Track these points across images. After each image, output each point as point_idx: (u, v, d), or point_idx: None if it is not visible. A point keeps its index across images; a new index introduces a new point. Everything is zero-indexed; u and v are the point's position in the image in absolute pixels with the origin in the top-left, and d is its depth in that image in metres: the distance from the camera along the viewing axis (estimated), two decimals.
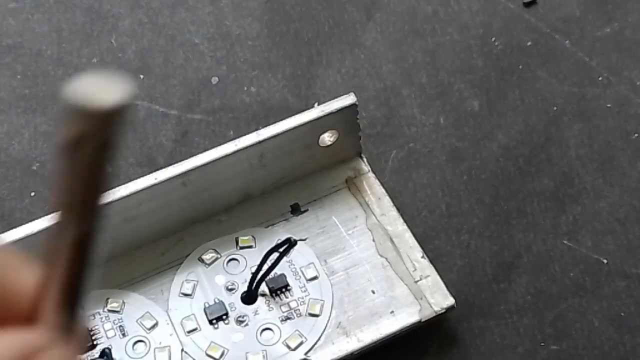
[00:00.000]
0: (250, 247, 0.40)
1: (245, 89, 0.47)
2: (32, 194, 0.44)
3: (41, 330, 0.19)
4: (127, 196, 0.38)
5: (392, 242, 0.40)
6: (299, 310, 0.39)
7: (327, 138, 0.41)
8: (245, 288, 0.39)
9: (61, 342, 0.19)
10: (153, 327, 0.38)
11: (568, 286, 0.40)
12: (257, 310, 0.39)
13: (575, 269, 0.41)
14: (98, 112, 0.16)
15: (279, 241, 0.38)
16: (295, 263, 0.40)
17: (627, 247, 0.41)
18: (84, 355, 0.37)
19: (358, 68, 0.48)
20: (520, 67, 0.48)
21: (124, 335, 0.38)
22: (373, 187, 0.42)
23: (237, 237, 0.40)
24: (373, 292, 0.39)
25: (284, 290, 0.39)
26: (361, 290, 0.39)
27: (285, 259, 0.38)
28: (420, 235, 0.41)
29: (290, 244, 0.37)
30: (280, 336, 0.38)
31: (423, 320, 0.38)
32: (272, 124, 0.40)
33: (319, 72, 0.48)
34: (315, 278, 0.39)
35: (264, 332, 0.38)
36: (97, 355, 0.37)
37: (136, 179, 0.38)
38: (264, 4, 0.51)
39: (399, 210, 0.41)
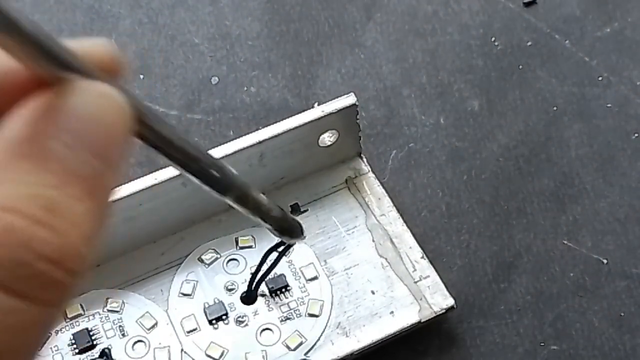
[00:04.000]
0: (250, 247, 0.40)
1: (245, 89, 0.47)
2: None
3: (57, 166, 0.15)
4: (127, 196, 0.38)
5: (392, 242, 0.40)
6: (298, 310, 0.38)
7: (327, 138, 0.41)
8: (245, 288, 0.39)
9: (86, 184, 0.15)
10: (153, 327, 0.38)
11: (568, 286, 0.40)
12: (256, 311, 0.38)
13: (575, 269, 0.41)
14: None
15: (279, 240, 0.38)
16: (295, 263, 0.40)
17: (627, 247, 0.41)
18: (84, 355, 0.37)
19: (358, 68, 0.48)
20: (520, 67, 0.48)
21: (123, 335, 0.38)
22: (373, 187, 0.42)
23: (237, 237, 0.40)
24: (373, 292, 0.39)
25: (283, 290, 0.39)
26: (361, 290, 0.39)
27: (284, 259, 0.38)
28: (420, 235, 0.41)
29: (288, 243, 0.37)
30: (280, 336, 0.38)
31: (423, 320, 0.38)
32: (272, 124, 0.40)
33: (319, 72, 0.48)
34: (315, 278, 0.39)
35: (264, 333, 0.38)
36: (97, 355, 0.37)
37: (136, 179, 0.38)
38: (264, 4, 0.51)
39: (399, 210, 0.41)
